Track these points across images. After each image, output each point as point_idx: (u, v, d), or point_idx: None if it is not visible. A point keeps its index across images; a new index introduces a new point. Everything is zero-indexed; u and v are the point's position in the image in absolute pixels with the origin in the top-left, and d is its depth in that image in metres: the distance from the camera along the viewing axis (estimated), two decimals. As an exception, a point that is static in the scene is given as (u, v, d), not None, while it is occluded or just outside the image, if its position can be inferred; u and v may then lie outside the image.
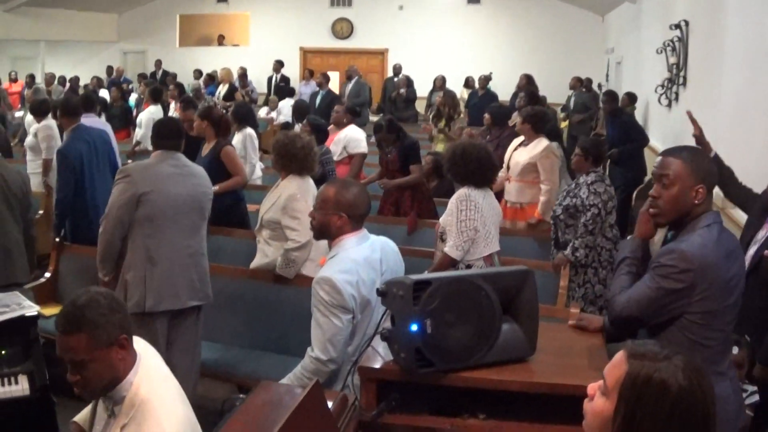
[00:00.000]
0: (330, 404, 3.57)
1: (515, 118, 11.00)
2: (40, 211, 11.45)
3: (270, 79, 25.84)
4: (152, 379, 3.89)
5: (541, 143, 10.02)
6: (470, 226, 7.11)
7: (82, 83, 25.45)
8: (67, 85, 25.13)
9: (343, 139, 11.94)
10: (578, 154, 8.67)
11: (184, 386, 4.19)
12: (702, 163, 4.27)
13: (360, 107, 17.86)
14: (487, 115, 12.57)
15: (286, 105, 20.51)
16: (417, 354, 3.68)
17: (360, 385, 3.91)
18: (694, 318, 4.10)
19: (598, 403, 2.77)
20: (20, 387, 5.74)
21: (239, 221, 9.62)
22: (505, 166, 10.22)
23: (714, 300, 4.08)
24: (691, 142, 6.60)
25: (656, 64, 14.25)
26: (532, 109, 10.58)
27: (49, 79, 25.57)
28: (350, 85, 21.97)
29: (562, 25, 27.18)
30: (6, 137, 10.60)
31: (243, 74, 25.36)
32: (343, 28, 29.77)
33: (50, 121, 12.41)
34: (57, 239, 9.09)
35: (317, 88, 21.13)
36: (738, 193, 6.60)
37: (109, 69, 27.93)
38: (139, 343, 4.08)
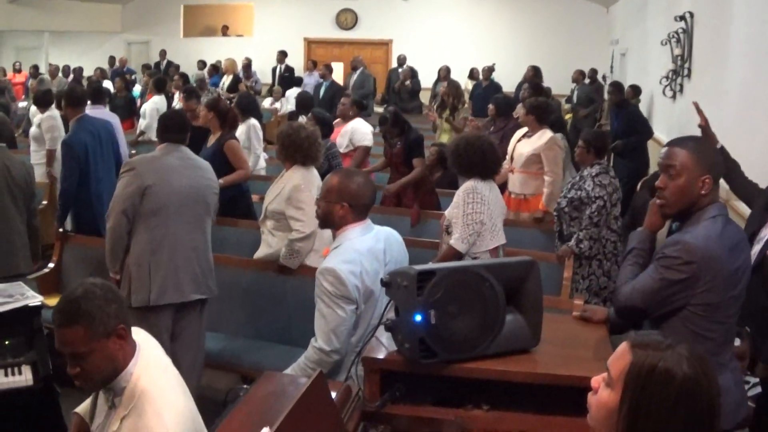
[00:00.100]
0: (334, 395, 3.57)
1: (519, 110, 10.96)
2: (44, 202, 11.47)
3: (274, 70, 25.80)
4: (152, 370, 3.88)
5: (545, 134, 10.00)
6: (477, 219, 7.09)
7: (85, 74, 25.43)
8: (71, 75, 25.11)
9: (349, 131, 11.95)
10: (580, 146, 8.67)
11: (188, 379, 4.19)
12: (708, 153, 4.27)
13: (364, 98, 17.84)
14: (491, 106, 12.54)
15: (294, 94, 20.46)
16: (421, 344, 3.68)
17: (364, 375, 3.90)
18: (697, 310, 4.11)
19: (603, 395, 2.77)
20: (24, 377, 5.75)
21: (244, 213, 9.60)
22: (508, 157, 10.20)
23: (717, 292, 4.09)
24: (696, 133, 6.59)
25: (661, 56, 14.22)
26: (535, 101, 10.54)
27: (53, 70, 25.55)
28: (355, 76, 21.97)
29: (567, 16, 27.11)
30: (10, 128, 10.60)
31: (247, 65, 25.33)
32: (347, 19, 29.71)
33: (54, 112, 12.41)
34: (60, 229, 9.09)
35: (321, 79, 21.11)
36: (743, 187, 6.59)
37: (111, 59, 27.87)
38: (139, 334, 4.08)
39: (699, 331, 4.10)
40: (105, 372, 3.79)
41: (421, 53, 26.49)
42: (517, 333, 3.91)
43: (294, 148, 7.66)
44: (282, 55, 25.80)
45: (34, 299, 6.03)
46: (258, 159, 11.76)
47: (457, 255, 7.10)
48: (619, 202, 8.53)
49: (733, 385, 4.27)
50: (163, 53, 28.30)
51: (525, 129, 10.33)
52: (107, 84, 22.19)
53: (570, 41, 26.55)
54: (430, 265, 3.96)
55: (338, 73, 23.96)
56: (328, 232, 5.80)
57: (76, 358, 3.73)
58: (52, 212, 10.63)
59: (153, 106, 15.86)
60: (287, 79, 24.88)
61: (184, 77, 20.03)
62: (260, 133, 11.92)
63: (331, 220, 5.20)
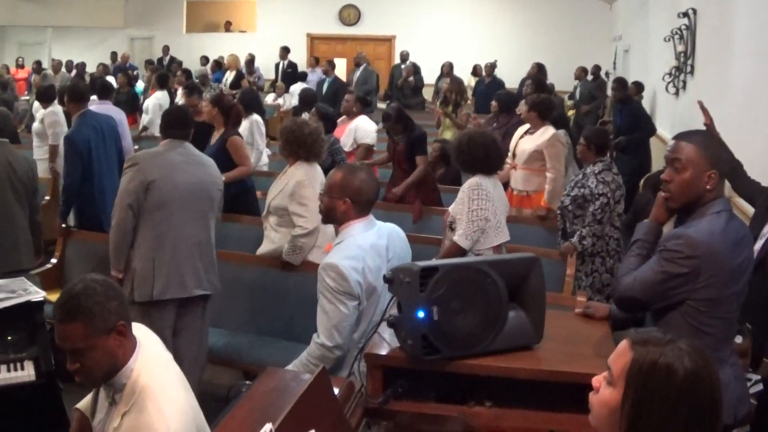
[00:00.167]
0: (336, 391, 3.56)
1: (522, 107, 10.95)
2: (47, 197, 11.46)
3: (277, 66, 25.79)
4: (153, 366, 3.88)
5: (548, 131, 9.99)
6: (481, 215, 7.08)
7: (88, 70, 25.42)
8: (74, 71, 25.12)
9: (353, 129, 11.97)
10: (582, 144, 8.66)
11: (190, 375, 4.19)
12: (715, 148, 4.26)
13: (368, 95, 17.84)
14: (494, 103, 12.56)
15: (298, 89, 20.43)
16: (423, 341, 3.69)
17: (366, 371, 3.91)
18: (698, 305, 4.11)
19: (604, 394, 2.77)
20: (26, 373, 5.74)
21: (248, 210, 9.58)
22: (510, 154, 10.19)
23: (718, 288, 4.09)
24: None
25: (664, 52, 14.19)
26: (538, 97, 10.54)
27: (56, 65, 25.56)
28: (358, 73, 21.96)
29: (570, 12, 27.09)
30: (12, 124, 10.63)
31: (250, 61, 25.32)
32: (350, 15, 29.70)
33: (56, 107, 12.42)
34: (63, 225, 9.09)
35: (323, 76, 21.10)
36: (746, 187, 6.60)
37: (113, 55, 27.87)
38: (140, 330, 4.08)
39: (699, 326, 4.10)
40: (105, 368, 3.79)
41: (424, 49, 26.47)
42: (519, 330, 3.91)
43: (297, 144, 7.66)
44: (285, 51, 25.76)
45: (37, 295, 6.04)
46: (261, 155, 11.76)
47: (461, 251, 7.08)
48: (622, 199, 8.50)
49: (734, 380, 4.27)
50: (166, 49, 28.28)
51: (527, 126, 10.32)
52: (110, 79, 22.20)
53: (573, 37, 26.54)
54: (433, 262, 3.97)
55: (341, 70, 23.96)
56: (330, 228, 5.83)
57: (75, 354, 3.73)
58: (55, 208, 10.63)
59: (155, 102, 15.87)
60: (290, 75, 24.86)
61: (187, 73, 20.02)
62: (263, 129, 11.92)
63: (333, 215, 5.21)
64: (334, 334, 4.89)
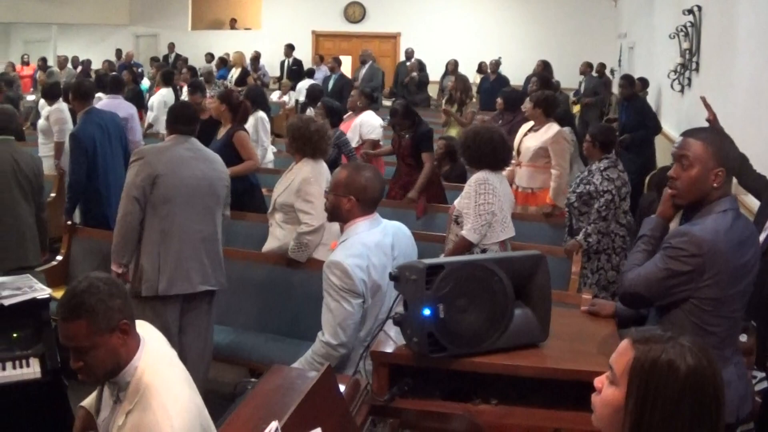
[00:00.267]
0: (342, 388, 3.57)
1: (526, 104, 10.93)
2: (52, 194, 11.47)
3: (282, 63, 25.80)
4: (156, 363, 3.88)
5: (552, 128, 9.98)
6: (488, 209, 7.07)
7: (93, 67, 25.43)
8: (80, 67, 25.14)
9: (358, 125, 11.98)
10: (587, 141, 8.68)
11: (195, 372, 4.20)
12: (723, 146, 4.24)
13: (374, 91, 17.84)
14: (499, 100, 12.56)
15: (306, 86, 20.40)
16: (429, 339, 3.69)
17: (372, 369, 3.90)
18: (701, 303, 4.10)
19: (607, 393, 2.77)
20: (32, 370, 5.74)
21: (253, 207, 9.57)
22: (515, 151, 10.18)
23: (722, 287, 4.08)
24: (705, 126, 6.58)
25: (669, 50, 14.18)
26: (542, 93, 10.51)
27: (62, 61, 25.57)
28: (364, 70, 21.96)
29: (575, 9, 27.08)
30: (18, 121, 10.62)
31: (255, 58, 25.33)
32: (355, 12, 29.72)
33: (62, 105, 12.42)
34: (69, 222, 9.10)
35: (329, 73, 21.10)
36: (752, 181, 6.59)
37: (118, 52, 27.90)
38: (143, 327, 4.08)
39: (702, 325, 4.10)
40: (108, 366, 3.80)
41: (429, 47, 26.50)
42: (525, 327, 3.91)
43: (304, 141, 7.66)
44: (289, 48, 25.76)
45: (42, 292, 6.04)
46: (266, 152, 11.77)
47: (469, 245, 7.09)
48: (628, 196, 8.51)
49: (737, 379, 4.26)
50: (171, 46, 28.33)
51: (531, 123, 10.32)
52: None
53: (578, 35, 26.52)
54: (439, 259, 3.97)
55: (346, 67, 23.93)
56: (336, 226, 5.81)
57: (78, 352, 3.74)
58: (61, 205, 10.63)
59: (160, 99, 15.87)
60: (295, 72, 24.88)
61: (193, 70, 20.04)
62: (268, 126, 11.94)
63: (338, 213, 5.21)
64: (338, 332, 4.89)
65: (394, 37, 29.40)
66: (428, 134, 10.63)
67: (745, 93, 8.93)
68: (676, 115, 14.03)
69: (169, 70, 18.70)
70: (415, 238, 5.54)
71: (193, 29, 31.10)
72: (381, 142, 12.45)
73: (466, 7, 28.25)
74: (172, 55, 27.48)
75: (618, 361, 2.74)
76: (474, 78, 22.27)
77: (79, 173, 9.26)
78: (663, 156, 13.31)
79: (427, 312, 3.66)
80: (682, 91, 13.19)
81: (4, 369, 5.69)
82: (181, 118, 6.97)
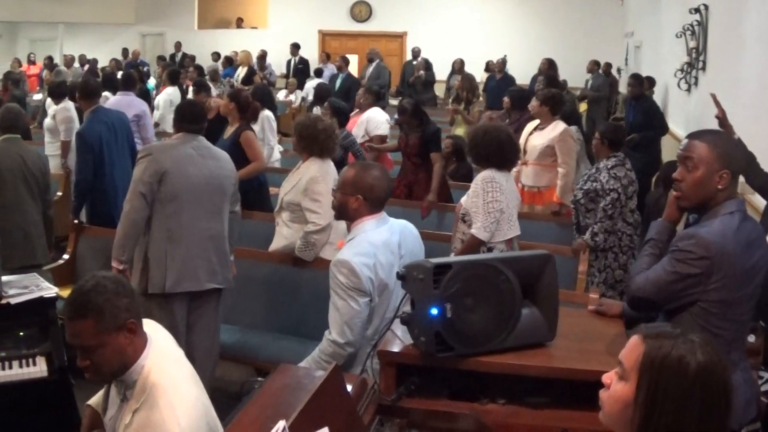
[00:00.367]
0: (349, 388, 3.56)
1: (533, 102, 10.92)
2: (59, 193, 11.49)
3: (289, 63, 25.81)
4: (163, 362, 3.89)
5: (559, 126, 9.98)
6: (496, 207, 7.08)
7: (99, 66, 25.46)
8: (87, 67, 25.17)
9: (364, 121, 11.98)
10: (596, 139, 8.69)
11: (202, 370, 4.20)
12: (728, 147, 4.22)
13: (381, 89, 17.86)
14: (506, 99, 12.54)
15: (313, 85, 20.41)
16: (437, 338, 3.68)
17: (379, 368, 3.90)
18: (709, 306, 4.08)
19: (616, 389, 2.77)
20: (38, 368, 5.75)
21: (260, 205, 9.58)
22: (521, 150, 10.16)
23: (730, 290, 4.06)
24: (712, 125, 6.57)
25: (675, 48, 14.17)
26: (549, 92, 10.51)
27: (69, 60, 25.61)
28: (371, 68, 21.96)
29: (581, 8, 27.07)
30: (25, 119, 10.63)
31: (262, 57, 25.35)
32: (361, 11, 29.73)
33: (68, 103, 12.44)
34: (75, 221, 9.11)
35: (335, 71, 21.09)
36: (759, 180, 6.57)
37: (125, 51, 27.95)
38: (150, 325, 4.09)
39: (710, 328, 4.07)
40: (114, 365, 3.80)
41: (435, 45, 26.50)
42: (533, 327, 3.91)
43: (311, 140, 7.66)
44: (295, 47, 25.81)
45: (49, 290, 6.05)
46: (272, 151, 11.77)
47: (480, 244, 7.10)
48: (635, 195, 8.50)
49: (743, 383, 4.25)
50: (178, 45, 28.38)
51: (536, 121, 10.31)
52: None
53: (584, 34, 26.51)
54: (447, 259, 3.96)
55: (353, 66, 23.93)
56: (343, 225, 5.81)
57: (85, 350, 3.75)
58: (67, 204, 10.67)
59: (166, 98, 15.89)
60: (301, 71, 24.90)
61: (200, 69, 20.06)
62: (274, 125, 11.94)
63: (345, 212, 5.21)
64: (345, 330, 4.89)
65: (400, 36, 29.42)
66: (437, 134, 10.65)
67: (752, 91, 8.91)
68: (682, 115, 14.02)
69: (175, 69, 18.73)
70: (422, 236, 5.53)
71: (199, 28, 31.12)
72: (388, 139, 12.43)
73: (472, 6, 28.25)
74: (179, 54, 27.52)
75: (628, 356, 2.75)
76: (481, 77, 22.27)
77: (85, 172, 9.27)
78: (669, 155, 13.28)
79: (434, 311, 3.65)
80: (688, 90, 13.18)
81: (10, 367, 5.70)
82: (189, 117, 6.96)
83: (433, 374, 3.87)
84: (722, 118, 6.76)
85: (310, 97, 19.86)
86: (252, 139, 9.60)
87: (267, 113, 11.57)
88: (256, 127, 10.75)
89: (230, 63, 24.99)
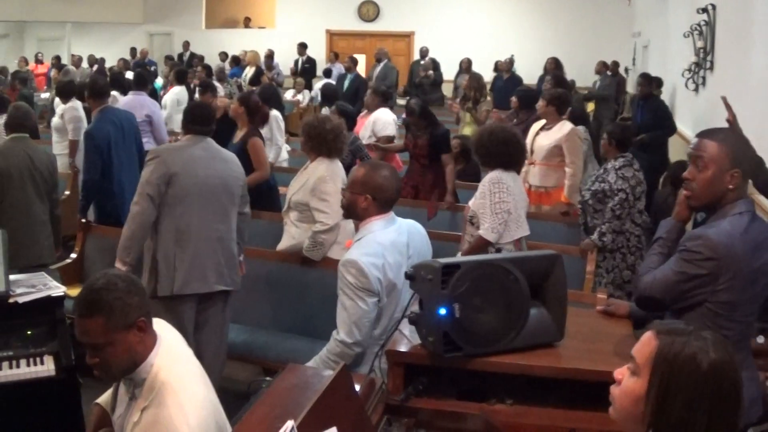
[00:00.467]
0: (357, 388, 3.56)
1: (540, 102, 10.91)
2: (67, 192, 11.50)
3: (297, 62, 25.83)
4: (173, 361, 3.90)
5: (565, 126, 9.96)
6: (504, 208, 7.07)
7: (107, 65, 25.48)
8: (96, 66, 25.19)
9: (371, 122, 11.97)
10: (604, 138, 8.69)
11: (210, 370, 4.20)
12: (739, 147, 4.20)
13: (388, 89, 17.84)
14: (514, 99, 12.53)
15: (322, 85, 20.43)
16: (445, 338, 3.68)
17: (387, 368, 3.90)
18: (716, 307, 4.06)
19: (628, 384, 2.78)
20: (46, 367, 5.75)
21: (269, 205, 9.56)
22: (528, 150, 10.15)
23: (737, 291, 4.05)
24: (719, 126, 6.55)
25: (683, 48, 14.15)
26: (555, 92, 10.50)
27: (77, 60, 25.65)
28: (378, 68, 21.95)
29: (589, 8, 27.05)
30: (33, 119, 10.60)
31: (269, 56, 25.36)
32: (369, 11, 29.73)
33: (76, 103, 12.44)
34: (83, 220, 9.12)
35: (343, 70, 21.08)
36: (766, 183, 6.55)
37: (133, 51, 28.01)
38: (160, 325, 4.09)
39: (715, 328, 4.02)
40: (123, 363, 3.81)
41: (442, 45, 26.48)
42: (541, 327, 3.91)
43: (319, 140, 7.66)
44: (302, 47, 25.85)
45: (57, 289, 6.05)
46: (280, 150, 11.78)
47: (487, 244, 7.09)
48: (643, 195, 8.49)
49: (747, 382, 4.24)
50: (186, 44, 28.39)
51: (542, 121, 10.30)
52: (129, 75, 22.27)
53: (592, 33, 26.51)
54: (455, 259, 3.97)
55: (360, 65, 23.93)
56: (351, 225, 5.81)
57: (95, 348, 3.76)
58: (75, 203, 10.66)
59: (173, 97, 15.89)
60: (308, 70, 24.91)
61: (208, 69, 20.08)
62: (282, 125, 11.95)
63: (354, 211, 5.21)
64: (353, 330, 4.89)
65: (408, 36, 29.42)
66: (446, 135, 10.67)
67: (759, 92, 8.90)
68: (690, 114, 14.00)
69: (183, 68, 18.74)
70: (430, 237, 5.53)
71: (207, 28, 31.16)
72: (395, 140, 12.42)
73: (479, 6, 28.26)
74: (187, 54, 27.54)
75: (641, 351, 2.76)
76: (489, 77, 22.23)
77: (93, 171, 9.29)
78: (676, 155, 13.27)
79: (442, 311, 3.65)
80: (696, 90, 13.16)
81: (18, 366, 5.70)
82: (198, 119, 6.97)
83: (441, 374, 3.87)
84: (732, 122, 6.75)
85: (320, 98, 19.89)
86: (259, 147, 9.53)
87: (275, 113, 11.58)
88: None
89: (237, 63, 25.00)
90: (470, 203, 7.43)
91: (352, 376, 3.50)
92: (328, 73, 23.17)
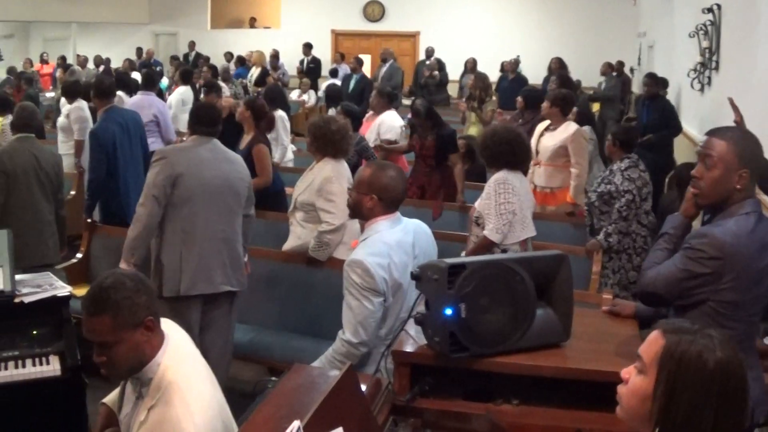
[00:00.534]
0: (363, 388, 3.56)
1: (545, 103, 10.90)
2: (72, 192, 11.52)
3: (302, 62, 25.84)
4: (180, 361, 3.90)
5: (570, 126, 9.95)
6: (509, 209, 7.07)
7: (113, 65, 25.50)
8: (101, 67, 25.20)
9: (377, 125, 11.96)
10: (609, 140, 8.68)
11: (216, 371, 4.20)
12: (748, 146, 4.18)
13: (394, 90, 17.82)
14: (519, 99, 12.52)
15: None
16: (451, 338, 3.68)
17: (393, 368, 3.90)
18: (719, 306, 4.07)
19: (635, 382, 2.79)
20: (51, 367, 5.76)
21: (275, 205, 9.55)
22: (533, 151, 10.14)
23: (741, 291, 4.05)
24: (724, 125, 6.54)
25: (689, 48, 14.13)
26: (559, 92, 10.49)
27: (82, 60, 25.67)
28: (384, 69, 21.93)
29: (594, 8, 27.00)
30: (39, 118, 10.61)
31: (274, 56, 25.36)
32: (374, 11, 29.71)
33: (82, 103, 12.46)
34: (89, 220, 9.13)
35: (348, 71, 21.07)
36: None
37: (139, 51, 28.03)
38: (167, 325, 4.09)
39: (718, 327, 4.06)
40: (131, 362, 3.81)
41: (448, 45, 26.48)
42: (547, 327, 3.90)
43: (325, 140, 7.66)
44: (307, 47, 25.84)
45: (63, 289, 6.06)
46: (285, 150, 11.79)
47: (492, 245, 7.09)
48: (649, 196, 8.49)
49: (751, 382, 4.23)
50: (192, 44, 28.44)
51: (547, 122, 10.29)
52: (135, 75, 22.29)
53: (597, 33, 26.45)
54: (461, 259, 3.96)
55: (365, 66, 23.92)
56: (356, 225, 5.81)
57: (102, 347, 3.76)
58: (80, 203, 10.68)
59: (178, 97, 15.89)
60: (313, 70, 24.92)
61: (213, 69, 20.09)
62: (288, 125, 11.96)
63: (360, 211, 5.21)
64: (359, 330, 4.90)
65: (413, 36, 29.39)
66: (453, 136, 10.70)
67: (764, 91, 8.89)
68: (695, 115, 13.98)
69: (188, 68, 18.76)
70: (435, 237, 5.53)
71: (212, 28, 31.18)
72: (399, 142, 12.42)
73: (485, 6, 28.20)
74: (193, 54, 27.56)
75: (648, 350, 2.76)
76: (495, 77, 22.22)
77: (98, 171, 9.31)
78: (681, 156, 13.26)
79: (448, 311, 3.65)
80: (702, 90, 13.15)
81: (24, 366, 5.71)
82: (204, 120, 6.97)
83: (448, 374, 3.86)
84: (739, 123, 6.74)
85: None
86: (264, 154, 9.48)
87: (280, 113, 11.59)
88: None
89: (242, 63, 25.02)
90: (476, 204, 7.43)
91: (359, 376, 3.50)
92: (334, 73, 23.18)
